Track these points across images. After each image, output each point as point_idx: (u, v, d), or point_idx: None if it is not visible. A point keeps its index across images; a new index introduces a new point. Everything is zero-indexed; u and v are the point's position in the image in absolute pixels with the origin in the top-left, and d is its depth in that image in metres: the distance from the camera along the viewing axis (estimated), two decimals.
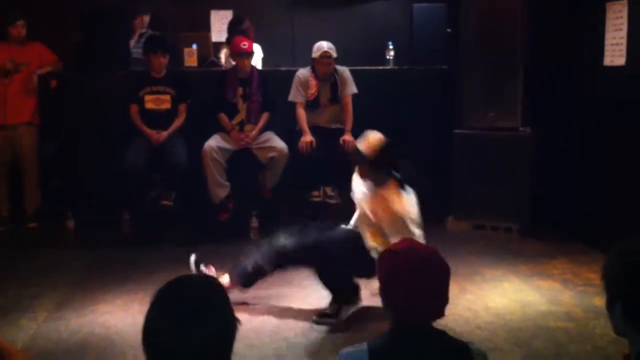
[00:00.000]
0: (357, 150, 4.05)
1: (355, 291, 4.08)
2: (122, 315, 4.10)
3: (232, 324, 1.65)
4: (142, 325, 1.60)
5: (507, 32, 5.80)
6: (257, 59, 6.39)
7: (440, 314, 2.05)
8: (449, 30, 6.47)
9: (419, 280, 2.00)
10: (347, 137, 5.79)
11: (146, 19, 6.64)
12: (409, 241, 2.26)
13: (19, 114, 5.99)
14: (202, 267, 4.22)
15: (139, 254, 5.27)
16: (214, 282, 1.79)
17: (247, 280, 4.10)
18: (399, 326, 2.04)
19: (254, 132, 5.86)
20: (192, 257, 4.20)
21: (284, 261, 4.05)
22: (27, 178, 6.08)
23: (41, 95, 6.09)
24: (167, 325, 1.59)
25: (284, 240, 4.03)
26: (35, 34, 6.12)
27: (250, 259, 4.07)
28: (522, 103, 5.85)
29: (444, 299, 2.06)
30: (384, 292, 2.09)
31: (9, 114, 5.94)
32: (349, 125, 5.90)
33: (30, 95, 6.03)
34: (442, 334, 2.03)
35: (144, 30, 6.57)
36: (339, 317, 3.96)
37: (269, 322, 3.97)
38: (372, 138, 4.03)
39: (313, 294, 4.36)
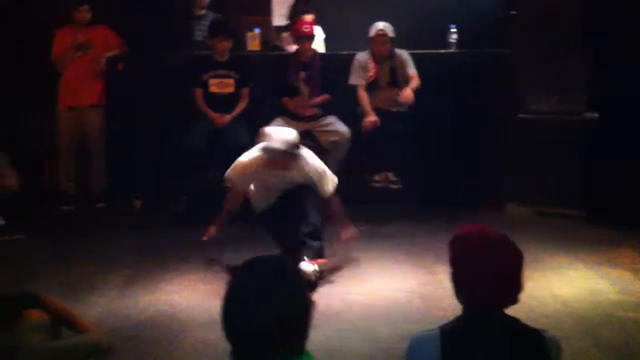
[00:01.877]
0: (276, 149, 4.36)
1: None
2: (187, 295, 4.18)
3: (304, 304, 1.67)
4: (222, 303, 1.62)
5: (572, 14, 5.65)
6: (319, 41, 6.39)
7: (513, 300, 2.01)
8: (513, 12, 6.35)
9: (491, 265, 1.97)
10: (406, 92, 5.72)
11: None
12: (478, 226, 2.22)
13: (87, 96, 6.13)
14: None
15: (199, 235, 5.31)
16: (285, 262, 1.81)
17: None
18: (471, 312, 2.02)
19: (312, 101, 5.87)
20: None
21: None
22: (94, 158, 6.22)
23: (108, 78, 6.21)
24: (246, 304, 1.62)
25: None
26: (98, 18, 6.23)
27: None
28: (587, 87, 5.71)
29: (517, 285, 2.02)
30: (455, 276, 2.06)
31: (77, 96, 6.11)
32: (412, 85, 5.80)
33: (97, 77, 6.16)
34: (515, 320, 2.00)
35: (203, 12, 6.59)
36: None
37: (333, 304, 3.99)
38: (282, 135, 4.43)
39: (376, 277, 4.39)
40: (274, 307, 1.60)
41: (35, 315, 2.73)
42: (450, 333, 1.98)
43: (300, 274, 1.75)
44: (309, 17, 6.22)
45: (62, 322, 2.77)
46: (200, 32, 6.46)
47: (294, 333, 1.65)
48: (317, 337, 3.49)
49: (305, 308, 1.67)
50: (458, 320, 2.03)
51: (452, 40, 6.45)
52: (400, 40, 5.98)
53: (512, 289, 2.02)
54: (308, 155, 4.57)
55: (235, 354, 1.64)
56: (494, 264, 1.99)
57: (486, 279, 1.98)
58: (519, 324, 2.00)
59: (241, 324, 1.61)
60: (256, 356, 1.62)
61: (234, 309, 1.63)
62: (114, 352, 3.06)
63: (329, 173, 4.61)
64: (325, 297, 4.07)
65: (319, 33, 6.34)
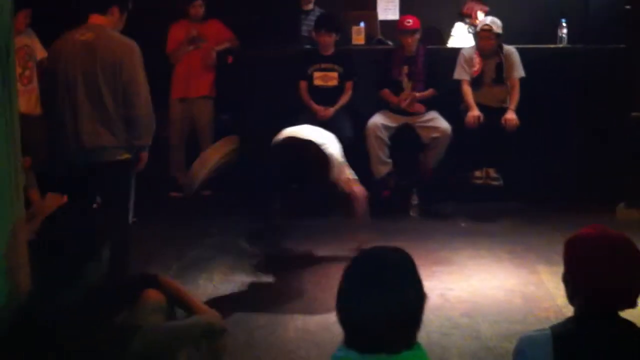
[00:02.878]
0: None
1: None
2: (291, 283, 4.32)
3: (421, 296, 1.73)
4: (337, 291, 1.69)
5: None
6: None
7: (632, 303, 1.98)
8: (627, 7, 6.12)
9: (612, 267, 1.95)
10: (510, 115, 5.66)
11: None
12: (598, 227, 2.19)
13: (198, 88, 6.37)
14: None
15: (302, 226, 5.42)
16: (404, 255, 1.87)
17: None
18: (585, 313, 2.00)
19: (417, 94, 5.88)
20: None
21: None
22: (203, 148, 6.43)
23: (219, 70, 6.42)
24: (359, 296, 1.69)
25: None
26: (212, 13, 6.45)
27: None
28: None
29: (636, 288, 2.00)
30: (572, 277, 2.05)
31: (189, 87, 6.35)
32: (513, 104, 5.76)
33: (208, 70, 6.38)
34: (630, 324, 1.97)
35: (310, 7, 6.71)
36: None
37: (433, 300, 3.95)
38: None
39: (475, 275, 4.39)
40: (391, 297, 1.66)
41: (154, 296, 2.88)
42: (562, 334, 1.97)
43: (415, 265, 1.79)
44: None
45: (179, 303, 2.90)
46: (307, 27, 6.59)
47: (408, 324, 1.71)
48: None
49: (419, 300, 1.72)
50: (570, 321, 2.02)
51: (562, 35, 6.31)
52: (510, 34, 5.89)
53: (632, 291, 2.00)
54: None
55: (350, 342, 1.71)
56: (615, 265, 1.96)
57: (606, 280, 1.96)
58: (634, 328, 1.97)
59: (359, 312, 1.68)
60: (370, 345, 1.68)
61: (352, 297, 1.70)
62: (226, 335, 3.22)
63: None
64: None
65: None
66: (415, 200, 5.80)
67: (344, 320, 1.72)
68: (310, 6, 6.67)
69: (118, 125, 3.73)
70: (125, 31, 3.90)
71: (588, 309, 2.00)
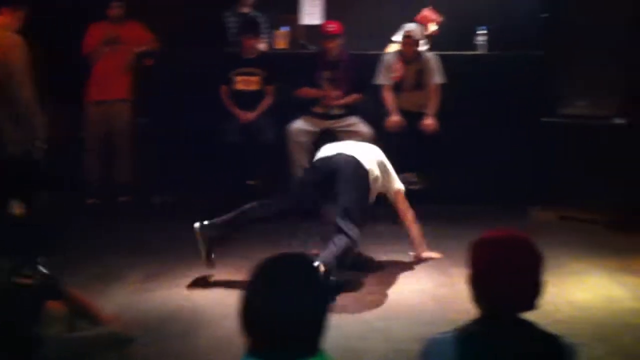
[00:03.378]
0: None
1: None
2: (206, 290, 4.25)
3: (326, 302, 1.72)
4: (241, 297, 1.67)
5: (609, 17, 5.60)
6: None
7: (532, 305, 2.01)
8: (544, 15, 6.30)
9: (512, 270, 1.97)
10: (429, 120, 5.74)
11: None
12: (504, 230, 2.20)
13: (115, 91, 6.23)
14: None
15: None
16: (310, 261, 1.86)
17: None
18: (488, 315, 2.02)
19: (342, 100, 5.89)
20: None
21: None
22: (120, 153, 6.31)
23: (137, 73, 6.30)
24: (265, 298, 1.66)
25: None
26: (134, 14, 6.32)
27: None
28: (618, 92, 5.65)
29: (537, 290, 2.02)
30: (475, 280, 2.06)
31: (105, 90, 6.21)
32: (432, 109, 5.85)
33: (126, 72, 6.26)
34: (531, 325, 1.99)
35: (247, 10, 6.64)
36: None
37: (350, 304, 4.02)
38: None
39: (392, 279, 4.42)
40: (295, 303, 1.64)
41: (55, 307, 2.81)
42: (466, 336, 1.99)
43: (320, 272, 1.79)
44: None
45: (81, 314, 2.83)
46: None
47: (312, 331, 1.69)
48: (332, 337, 3.52)
49: (323, 307, 1.71)
50: (474, 323, 2.03)
51: (479, 42, 6.44)
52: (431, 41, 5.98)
53: (532, 294, 2.02)
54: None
55: (253, 350, 1.68)
56: (515, 268, 1.99)
57: (506, 283, 1.98)
58: (537, 329, 2.00)
59: (262, 319, 1.65)
60: (274, 353, 1.66)
61: (254, 304, 1.67)
62: (134, 344, 3.14)
63: None
64: (341, 297, 4.10)
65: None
66: None
67: (247, 327, 1.69)
68: (247, 9, 6.60)
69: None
70: (42, 32, 3.81)
71: (491, 310, 2.02)
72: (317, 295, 1.70)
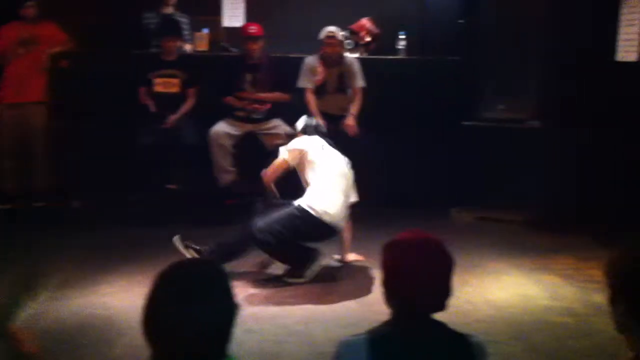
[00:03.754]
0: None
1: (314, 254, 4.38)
2: (123, 297, 4.13)
3: (232, 308, 1.67)
4: (143, 305, 1.61)
5: (525, 23, 5.76)
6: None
7: (442, 306, 2.03)
8: (461, 21, 6.44)
9: (422, 272, 1.99)
10: (350, 121, 5.78)
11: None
12: (414, 231, 2.22)
13: (30, 93, 6.02)
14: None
15: (144, 235, 5.30)
16: (214, 266, 1.81)
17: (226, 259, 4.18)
18: (399, 316, 2.03)
19: (264, 95, 5.87)
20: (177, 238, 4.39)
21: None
22: (36, 156, 6.10)
23: (52, 75, 6.10)
24: (168, 305, 1.61)
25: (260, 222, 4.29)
26: (49, 14, 6.12)
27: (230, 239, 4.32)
28: (533, 96, 5.82)
29: (446, 292, 2.04)
30: (386, 281, 2.07)
31: (20, 92, 5.98)
32: (354, 110, 5.88)
33: (41, 74, 6.05)
34: (442, 325, 2.02)
35: (170, 10, 6.51)
36: (305, 277, 4.33)
37: (269, 308, 3.99)
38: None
39: (313, 282, 4.40)
40: (200, 310, 1.60)
41: None
42: (378, 338, 1.99)
43: (228, 277, 1.74)
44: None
45: None
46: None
47: (218, 338, 1.65)
48: (251, 342, 3.52)
49: (230, 313, 1.67)
50: (386, 325, 2.05)
51: (400, 47, 6.53)
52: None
53: (441, 295, 2.04)
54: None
55: (158, 358, 1.63)
56: (424, 270, 2.00)
57: (415, 284, 1.99)
58: (446, 329, 2.02)
59: (163, 327, 1.61)
60: None
61: (156, 312, 1.62)
62: (41, 357, 3.01)
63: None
64: (261, 301, 4.07)
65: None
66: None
67: (150, 335, 1.64)
68: (170, 9, 6.47)
69: None
70: None
71: (401, 311, 2.03)
72: (223, 303, 1.66)
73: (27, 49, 5.99)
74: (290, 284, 4.35)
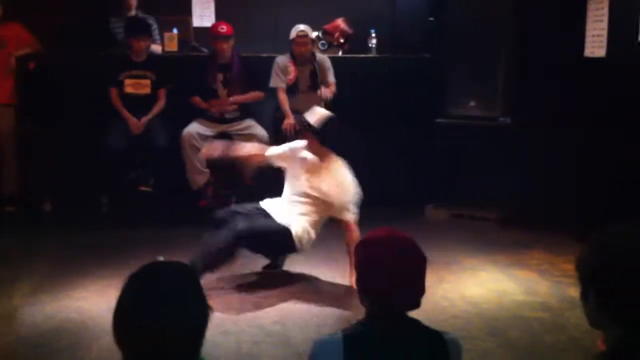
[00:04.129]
0: (306, 121, 4.37)
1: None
2: (98, 301, 4.07)
3: (204, 310, 1.65)
4: (114, 309, 1.58)
5: (492, 21, 5.81)
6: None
7: (416, 304, 2.04)
8: (431, 19, 6.47)
9: (395, 270, 1.99)
10: (324, 90, 5.78)
11: (134, 0, 6.51)
12: (386, 230, 2.23)
13: None
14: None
15: (117, 238, 5.25)
16: (186, 268, 1.79)
17: (213, 265, 4.07)
18: (374, 315, 2.04)
19: (238, 97, 5.83)
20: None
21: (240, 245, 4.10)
22: (4, 160, 5.99)
23: (19, 77, 5.99)
24: (138, 309, 1.59)
25: (242, 224, 4.08)
26: (13, 14, 6.01)
27: (212, 245, 4.07)
28: (503, 93, 5.87)
29: (420, 289, 2.05)
30: (360, 280, 2.08)
31: None
32: (331, 87, 5.89)
33: (7, 76, 5.94)
34: (416, 323, 2.02)
35: (133, 13, 6.46)
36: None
37: (245, 309, 3.97)
38: (320, 111, 4.47)
39: (290, 282, 4.39)
40: (169, 313, 1.58)
41: None
42: (352, 337, 1.99)
43: (198, 279, 1.73)
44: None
45: None
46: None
47: (190, 340, 1.63)
48: (228, 343, 3.49)
49: (202, 315, 1.65)
50: (360, 324, 2.05)
51: (372, 45, 6.54)
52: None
53: (414, 293, 2.04)
54: (343, 166, 4.36)
55: None
56: (396, 268, 2.00)
57: (388, 282, 1.99)
58: (420, 326, 2.02)
59: (132, 329, 1.58)
60: None
61: (127, 314, 1.60)
62: None
63: (352, 198, 4.28)
64: (237, 302, 4.05)
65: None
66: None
67: (120, 339, 1.61)
68: (133, 12, 6.42)
69: None
70: None
71: (375, 310, 2.03)
72: (194, 305, 1.64)
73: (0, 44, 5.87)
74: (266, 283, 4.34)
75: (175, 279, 1.66)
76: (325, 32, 6.64)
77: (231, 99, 5.84)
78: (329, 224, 4.72)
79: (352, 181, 4.32)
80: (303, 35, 5.84)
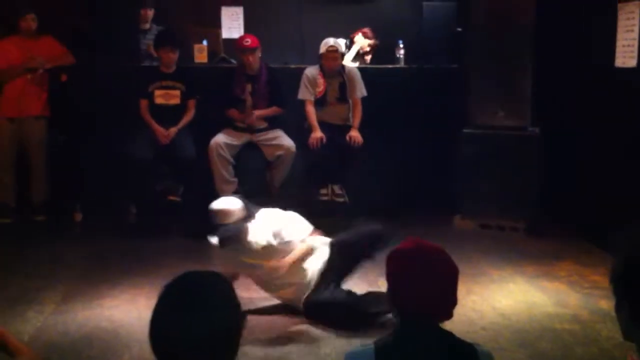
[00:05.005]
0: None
1: None
2: (128, 309, 4.12)
3: (239, 318, 1.67)
4: (150, 319, 1.61)
5: (517, 31, 5.79)
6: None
7: (448, 315, 2.03)
8: (459, 29, 6.46)
9: (426, 280, 1.99)
10: (354, 133, 5.79)
11: (150, 13, 6.60)
12: (416, 240, 2.24)
13: (29, 107, 5.99)
14: None
15: (146, 247, 5.29)
16: (221, 277, 1.81)
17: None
18: (405, 326, 2.03)
19: (260, 112, 5.85)
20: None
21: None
22: (35, 170, 6.08)
23: (51, 89, 6.09)
24: (174, 318, 1.60)
25: None
26: (46, 27, 6.11)
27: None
28: (530, 102, 5.84)
29: (451, 300, 2.04)
30: (391, 291, 2.08)
31: (19, 107, 5.97)
32: (356, 122, 5.90)
33: (40, 88, 6.04)
34: (449, 334, 2.02)
35: (147, 26, 6.55)
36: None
37: (274, 318, 3.98)
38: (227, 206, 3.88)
39: None
40: (204, 322, 1.59)
41: None
42: (384, 348, 1.99)
43: (233, 288, 1.74)
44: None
45: None
46: (146, 44, 6.44)
47: (225, 349, 1.64)
48: (256, 352, 3.51)
49: (236, 324, 1.66)
50: (392, 335, 2.04)
51: (399, 56, 6.56)
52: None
53: (447, 304, 2.04)
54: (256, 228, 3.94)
55: None
56: (428, 278, 2.00)
57: (420, 293, 1.99)
58: (453, 338, 2.02)
59: (170, 339, 1.60)
60: None
61: (163, 324, 1.62)
62: None
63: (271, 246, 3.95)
64: (267, 312, 4.06)
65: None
66: None
67: (157, 348, 1.63)
68: (148, 25, 6.51)
69: None
70: None
71: (407, 321, 2.03)
72: (229, 313, 1.65)
73: (32, 70, 5.96)
74: None
75: (210, 288, 1.68)
76: (351, 41, 6.68)
77: (256, 112, 5.86)
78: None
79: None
80: (333, 50, 5.86)
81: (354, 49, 6.73)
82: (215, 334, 1.61)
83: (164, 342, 1.61)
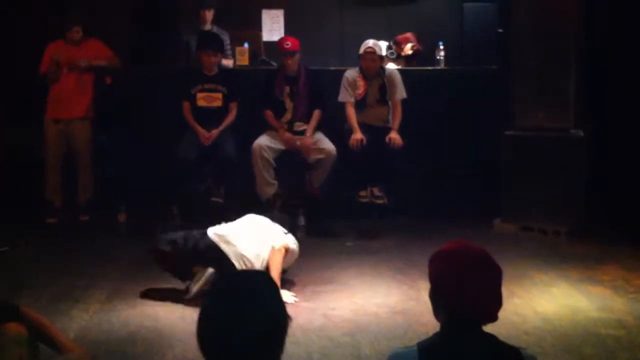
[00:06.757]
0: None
1: None
2: (171, 308, 4.16)
3: (284, 319, 1.68)
4: (199, 315, 1.63)
5: (559, 31, 5.72)
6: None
7: (493, 317, 2.02)
8: (500, 30, 6.42)
9: (470, 281, 1.98)
10: (394, 134, 5.78)
11: (209, 14, 6.58)
12: (458, 242, 2.23)
13: (74, 109, 6.13)
14: None
15: None
16: (268, 275, 1.83)
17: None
18: (449, 328, 2.03)
19: (309, 140, 5.87)
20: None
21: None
22: (80, 171, 6.21)
23: (96, 90, 6.21)
24: (221, 318, 1.63)
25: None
26: (92, 31, 6.23)
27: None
28: (574, 104, 5.76)
29: (496, 302, 2.03)
30: (434, 292, 2.08)
31: (64, 108, 6.10)
32: (396, 124, 5.89)
33: (85, 91, 6.16)
34: (493, 337, 2.01)
35: (208, 27, 6.59)
36: None
37: (316, 320, 3.99)
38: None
39: (359, 293, 4.39)
40: (259, 318, 1.62)
41: (15, 329, 2.71)
42: (428, 350, 1.99)
43: (278, 288, 1.76)
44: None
45: (42, 338, 2.75)
46: None
47: (271, 348, 1.66)
48: (298, 353, 3.53)
49: (282, 324, 1.68)
50: (436, 337, 2.04)
51: (440, 57, 6.54)
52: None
53: (491, 306, 2.03)
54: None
55: None
56: (472, 280, 2.00)
57: (464, 296, 1.99)
58: (497, 341, 2.01)
59: (218, 339, 1.62)
60: None
61: (217, 319, 1.64)
62: None
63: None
64: (307, 313, 4.07)
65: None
66: (302, 222, 5.80)
67: (206, 346, 1.66)
68: (208, 26, 6.56)
69: None
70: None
71: (451, 323, 2.02)
72: (275, 312, 1.67)
73: (68, 68, 6.07)
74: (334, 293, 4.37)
75: (263, 285, 1.70)
76: (395, 42, 6.67)
77: (306, 135, 5.89)
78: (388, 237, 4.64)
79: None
80: (371, 52, 5.87)
81: None
82: (269, 330, 1.63)
83: (217, 337, 1.63)
